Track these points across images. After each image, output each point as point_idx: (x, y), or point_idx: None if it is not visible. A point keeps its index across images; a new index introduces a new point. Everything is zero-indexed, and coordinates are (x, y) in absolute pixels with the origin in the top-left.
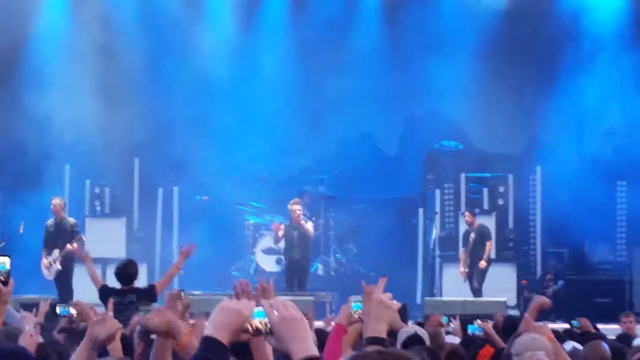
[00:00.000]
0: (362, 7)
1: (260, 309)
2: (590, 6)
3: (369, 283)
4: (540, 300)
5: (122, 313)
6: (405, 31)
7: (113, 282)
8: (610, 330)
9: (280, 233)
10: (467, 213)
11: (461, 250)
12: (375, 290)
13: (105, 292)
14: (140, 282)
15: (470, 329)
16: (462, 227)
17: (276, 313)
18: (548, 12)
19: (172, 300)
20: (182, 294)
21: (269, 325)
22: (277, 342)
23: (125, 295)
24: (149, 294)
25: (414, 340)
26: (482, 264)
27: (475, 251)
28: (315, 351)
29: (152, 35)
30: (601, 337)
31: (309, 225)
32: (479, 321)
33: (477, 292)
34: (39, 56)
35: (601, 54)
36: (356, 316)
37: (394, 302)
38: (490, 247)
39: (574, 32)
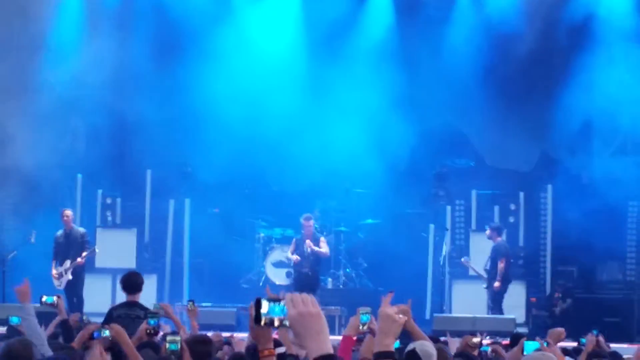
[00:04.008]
0: (375, 19)
1: (281, 303)
2: (600, 21)
3: (377, 298)
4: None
5: (127, 327)
6: (418, 45)
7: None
8: (619, 350)
9: (292, 249)
10: (489, 229)
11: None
12: (383, 305)
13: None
14: (150, 293)
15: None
16: (473, 244)
17: (294, 309)
18: (559, 29)
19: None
20: (191, 305)
21: (286, 322)
22: (295, 338)
23: (132, 309)
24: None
25: (410, 358)
26: (496, 285)
27: (491, 269)
28: (330, 349)
29: (166, 43)
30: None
31: (323, 245)
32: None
33: (492, 310)
34: (53, 63)
35: (613, 72)
36: (364, 328)
37: (401, 316)
38: (503, 267)
39: (584, 48)
